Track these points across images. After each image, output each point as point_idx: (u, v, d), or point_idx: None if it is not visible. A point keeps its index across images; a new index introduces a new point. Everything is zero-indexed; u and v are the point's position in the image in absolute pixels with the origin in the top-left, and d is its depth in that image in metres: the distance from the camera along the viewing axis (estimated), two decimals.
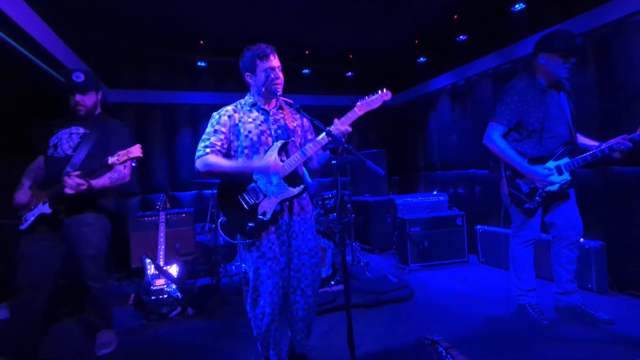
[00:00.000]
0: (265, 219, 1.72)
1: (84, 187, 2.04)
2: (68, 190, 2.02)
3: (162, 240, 3.05)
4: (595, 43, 2.94)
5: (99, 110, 2.41)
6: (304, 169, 1.95)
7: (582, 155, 2.18)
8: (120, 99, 4.42)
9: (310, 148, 1.72)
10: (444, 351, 1.73)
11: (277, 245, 1.78)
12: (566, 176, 2.23)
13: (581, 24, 3.02)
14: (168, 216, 3.67)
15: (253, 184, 1.75)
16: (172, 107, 4.67)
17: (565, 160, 2.24)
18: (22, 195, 2.14)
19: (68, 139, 2.23)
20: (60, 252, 2.18)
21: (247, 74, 1.85)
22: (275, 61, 1.81)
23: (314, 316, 1.92)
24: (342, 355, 2.07)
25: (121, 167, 2.23)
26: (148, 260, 2.91)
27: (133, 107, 4.49)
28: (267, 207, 1.73)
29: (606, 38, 2.88)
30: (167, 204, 3.35)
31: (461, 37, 4.03)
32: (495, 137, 2.30)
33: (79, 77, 2.24)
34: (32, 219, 2.10)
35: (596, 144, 2.29)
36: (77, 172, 2.05)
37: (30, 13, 2.57)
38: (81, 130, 2.27)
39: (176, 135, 4.66)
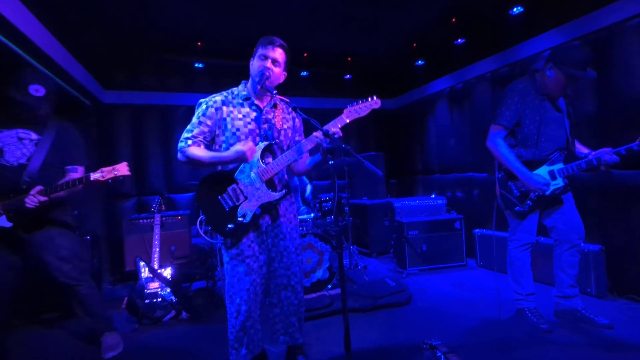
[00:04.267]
0: (244, 221, 1.71)
1: (46, 203, 1.96)
2: (29, 205, 1.92)
3: (157, 242, 3.00)
4: (593, 47, 2.95)
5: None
6: (292, 175, 1.94)
7: (577, 162, 2.18)
8: (117, 100, 4.39)
9: (303, 145, 1.69)
10: (442, 356, 1.70)
11: (257, 244, 1.78)
12: (559, 182, 2.22)
13: (578, 27, 3.03)
14: (163, 218, 3.62)
15: (234, 185, 1.73)
16: (169, 109, 4.64)
17: (559, 165, 2.23)
18: None
19: (18, 145, 2.04)
20: (16, 259, 2.07)
21: (251, 59, 1.82)
22: (272, 52, 1.75)
23: (304, 311, 1.96)
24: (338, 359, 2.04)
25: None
26: (142, 263, 2.87)
27: (129, 109, 4.46)
28: (247, 209, 1.72)
29: (603, 42, 2.88)
30: (163, 206, 3.31)
31: (459, 40, 4.04)
32: (498, 141, 2.29)
33: (39, 91, 2.00)
34: None
35: (587, 151, 2.29)
36: (40, 188, 1.94)
37: (27, 14, 2.54)
38: (33, 135, 2.09)
39: (173, 137, 4.62)
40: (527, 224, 2.33)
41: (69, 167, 2.18)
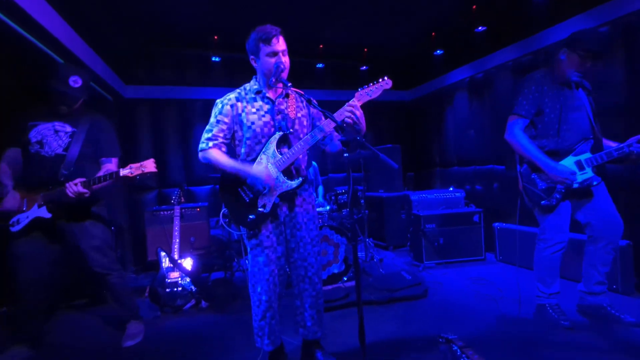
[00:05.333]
0: (265, 211, 1.74)
1: (86, 195, 2.03)
2: (70, 194, 1.99)
3: (176, 233, 3.09)
4: (622, 32, 2.79)
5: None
6: (308, 159, 1.94)
7: (607, 151, 2.06)
8: (136, 94, 4.50)
9: (312, 137, 1.71)
10: (458, 350, 1.68)
11: (275, 235, 1.81)
12: (588, 172, 2.12)
13: (607, 12, 2.87)
14: (183, 210, 3.72)
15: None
16: (187, 103, 4.73)
17: (587, 155, 2.12)
18: (12, 200, 2.06)
19: (55, 137, 2.14)
20: (55, 248, 2.18)
21: (251, 56, 1.80)
22: (279, 45, 1.73)
23: (322, 302, 1.96)
24: (353, 352, 2.05)
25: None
26: (163, 254, 2.96)
27: (149, 103, 4.57)
28: (267, 199, 1.75)
29: (633, 27, 2.72)
30: (182, 198, 3.39)
31: (480, 28, 3.92)
32: (517, 132, 2.21)
33: (77, 82, 2.10)
34: (26, 221, 2.06)
35: (614, 145, 2.15)
36: (82, 180, 2.01)
37: (50, 11, 2.63)
38: (68, 128, 2.18)
39: (191, 131, 4.71)
40: (558, 220, 2.20)
41: (103, 158, 2.28)
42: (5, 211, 2.06)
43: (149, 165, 1.99)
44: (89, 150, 2.22)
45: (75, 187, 1.99)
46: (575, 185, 2.12)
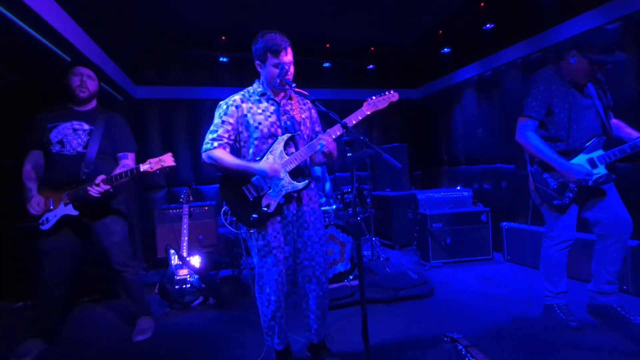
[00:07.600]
0: (269, 211, 1.75)
1: (110, 192, 2.10)
2: (93, 194, 2.05)
3: (185, 232, 3.14)
4: (635, 28, 2.74)
5: (95, 102, 2.36)
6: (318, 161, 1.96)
7: (620, 147, 2.02)
8: (147, 95, 4.57)
9: (319, 140, 1.73)
10: (463, 349, 1.68)
11: (282, 235, 1.81)
12: (601, 170, 2.08)
13: (620, 7, 2.82)
14: (191, 209, 3.77)
15: (258, 177, 1.77)
16: (196, 103, 4.78)
17: (599, 152, 2.09)
18: (35, 205, 2.10)
19: (74, 135, 2.21)
20: (79, 243, 2.27)
21: (257, 62, 1.82)
22: (287, 57, 1.74)
23: (327, 302, 1.96)
24: (357, 350, 2.06)
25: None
26: (172, 251, 3.01)
27: (158, 103, 4.64)
28: (271, 199, 1.76)
29: None
30: (191, 196, 3.44)
31: (488, 25, 3.87)
32: (528, 133, 2.17)
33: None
34: (55, 219, 2.13)
35: (637, 134, 2.11)
36: (103, 177, 2.08)
37: (63, 14, 2.69)
38: (85, 126, 2.25)
39: (200, 130, 4.77)
40: (567, 219, 2.18)
41: (120, 154, 2.35)
42: (33, 216, 2.12)
43: (168, 160, 2.07)
44: (107, 147, 2.29)
45: (97, 187, 2.06)
46: (589, 183, 2.08)
